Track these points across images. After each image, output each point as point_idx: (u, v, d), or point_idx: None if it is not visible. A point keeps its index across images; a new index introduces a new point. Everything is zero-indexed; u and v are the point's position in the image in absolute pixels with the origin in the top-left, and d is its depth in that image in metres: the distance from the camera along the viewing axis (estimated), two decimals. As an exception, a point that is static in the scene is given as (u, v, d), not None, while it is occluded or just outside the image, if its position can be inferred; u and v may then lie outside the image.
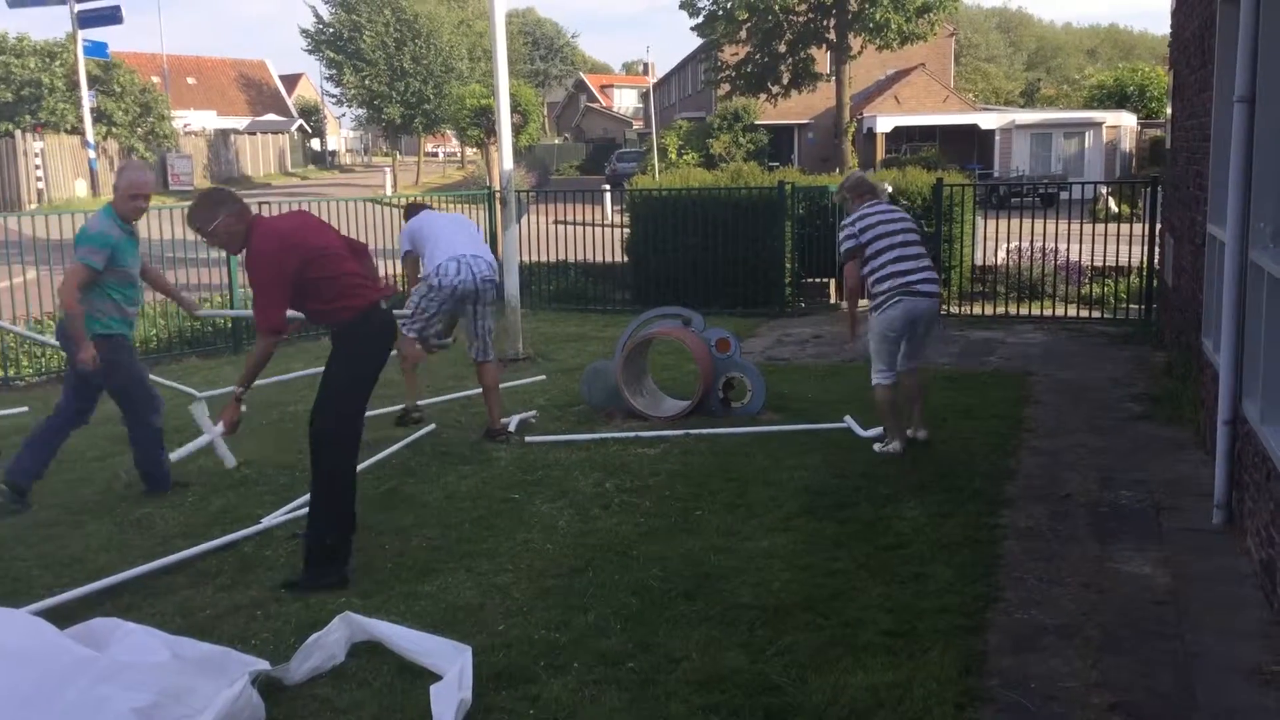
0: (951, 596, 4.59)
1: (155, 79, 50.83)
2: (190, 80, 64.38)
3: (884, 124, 43.08)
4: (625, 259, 14.82)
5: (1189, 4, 8.51)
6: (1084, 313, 12.26)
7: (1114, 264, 12.99)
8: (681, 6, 40.26)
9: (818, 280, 13.72)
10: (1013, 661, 4.02)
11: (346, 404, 5.08)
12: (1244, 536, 5.07)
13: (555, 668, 4.05)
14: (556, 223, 14.93)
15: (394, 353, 6.16)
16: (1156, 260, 11.18)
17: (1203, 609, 4.41)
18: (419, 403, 8.05)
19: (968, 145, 41.63)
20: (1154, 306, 11.20)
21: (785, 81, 40.62)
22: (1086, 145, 40.56)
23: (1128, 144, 40.69)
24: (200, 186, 45.85)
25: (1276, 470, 4.36)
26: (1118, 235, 12.65)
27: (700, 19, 40.28)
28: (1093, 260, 13.11)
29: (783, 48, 39.79)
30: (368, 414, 7.75)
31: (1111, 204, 22.91)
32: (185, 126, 51.44)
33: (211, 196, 5.15)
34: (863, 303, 7.05)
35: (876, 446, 6.84)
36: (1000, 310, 12.37)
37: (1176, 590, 4.60)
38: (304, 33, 53.12)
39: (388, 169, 47.90)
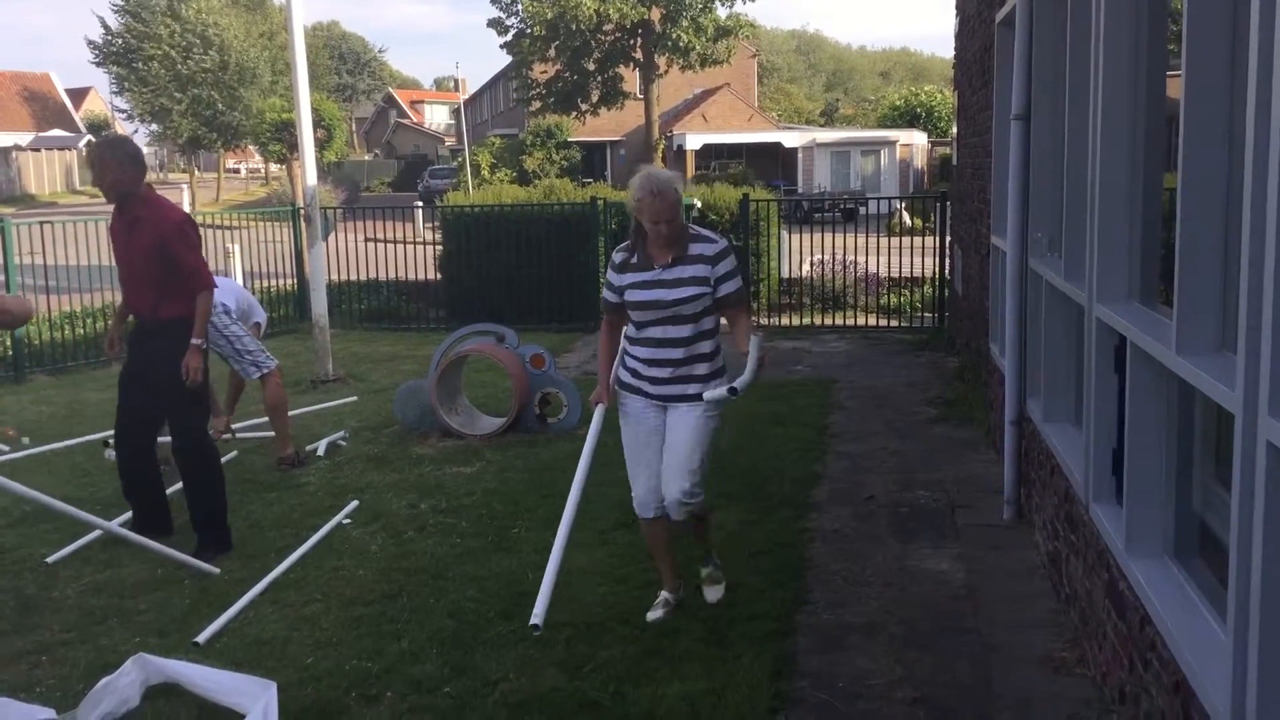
0: (762, 602, 4.68)
1: (-75, 92, 47.21)
2: (-35, 93, 60.11)
3: (693, 141, 43.99)
4: (438, 277, 14.62)
5: (970, 28, 9.02)
6: (883, 322, 12.79)
7: (910, 275, 13.60)
8: (490, 24, 40.17)
9: (631, 295, 13.84)
10: (821, 662, 4.13)
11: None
12: (1033, 530, 5.37)
13: (367, 698, 3.92)
14: (368, 240, 14.61)
15: None
16: (947, 270, 11.77)
17: (996, 601, 4.64)
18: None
19: (772, 163, 42.99)
20: (946, 314, 11.79)
21: (595, 99, 41.02)
22: (883, 163, 42.47)
23: (920, 161, 42.81)
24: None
25: (1059, 466, 4.63)
26: (912, 248, 13.27)
27: (509, 36, 40.27)
28: (890, 272, 13.68)
29: (592, 66, 40.18)
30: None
31: (906, 218, 24.03)
32: (-41, 142, 48.01)
33: None
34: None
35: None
36: (806, 321, 12.77)
37: (972, 585, 4.83)
38: (91, 44, 50.53)
39: (185, 185, 45.88)
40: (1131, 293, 3.86)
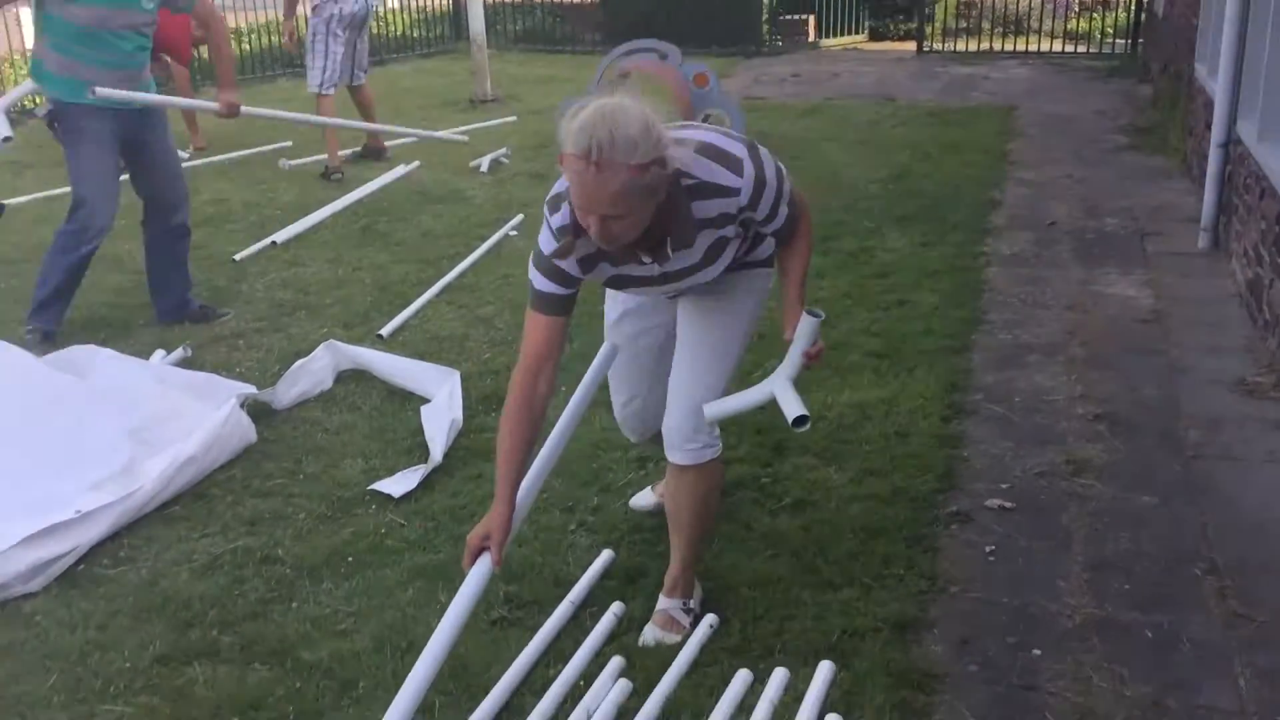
0: (936, 320, 4.58)
1: None
2: None
3: None
4: (595, -3, 14.16)
5: None
6: (1069, 47, 11.93)
7: (1101, -3, 12.57)
8: None
9: (796, 17, 13.19)
10: (997, 378, 4.04)
11: None
12: (1229, 259, 5.07)
13: (544, 390, 4.03)
14: (521, -42, 14.16)
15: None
16: (1148, -10, 10.80)
17: (1187, 327, 4.44)
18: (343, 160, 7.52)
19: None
20: (1141, 40, 10.91)
21: None
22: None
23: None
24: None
25: (1272, 188, 4.29)
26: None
27: None
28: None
29: None
30: (342, 153, 7.56)
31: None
32: None
33: None
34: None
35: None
36: (984, 46, 12.02)
37: (1161, 310, 4.62)
38: None
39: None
40: (1393, -15, 3.41)
